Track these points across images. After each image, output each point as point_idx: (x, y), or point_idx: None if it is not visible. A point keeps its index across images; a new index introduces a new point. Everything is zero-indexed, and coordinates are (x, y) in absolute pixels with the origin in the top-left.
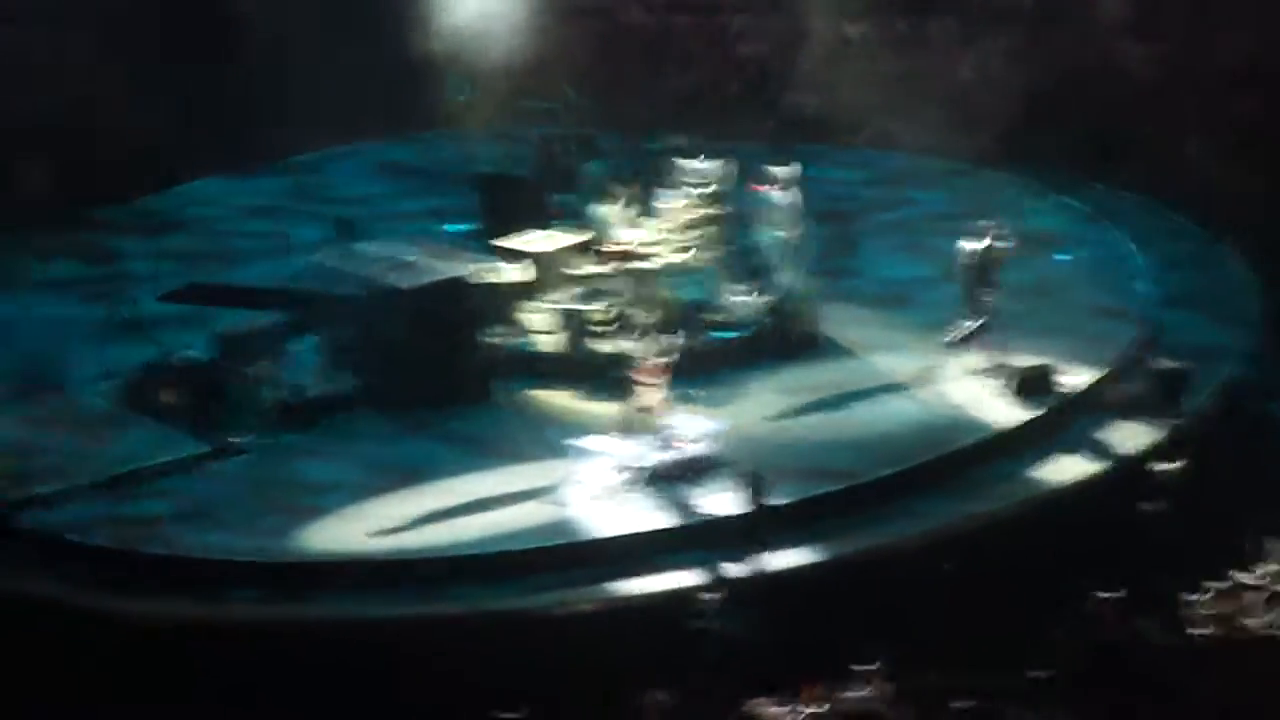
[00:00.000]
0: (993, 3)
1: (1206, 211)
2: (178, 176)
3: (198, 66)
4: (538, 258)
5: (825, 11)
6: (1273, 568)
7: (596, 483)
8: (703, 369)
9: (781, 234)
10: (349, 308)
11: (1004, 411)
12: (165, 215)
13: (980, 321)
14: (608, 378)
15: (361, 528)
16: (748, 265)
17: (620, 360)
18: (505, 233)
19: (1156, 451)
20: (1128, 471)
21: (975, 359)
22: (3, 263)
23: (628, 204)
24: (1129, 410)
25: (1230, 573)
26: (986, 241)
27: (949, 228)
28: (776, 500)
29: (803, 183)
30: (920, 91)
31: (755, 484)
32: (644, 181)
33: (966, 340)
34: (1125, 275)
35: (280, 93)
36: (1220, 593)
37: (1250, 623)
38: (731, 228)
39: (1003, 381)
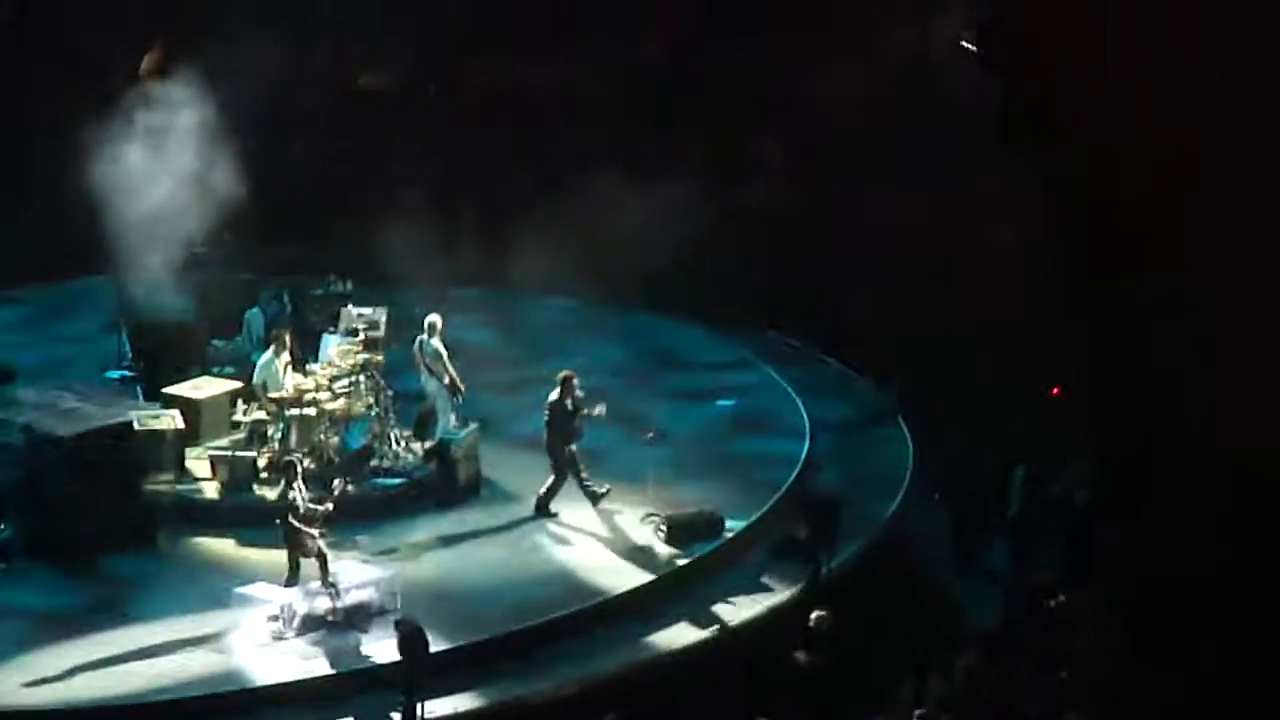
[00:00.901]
0: (660, 150)
1: (876, 363)
2: None
3: None
4: (198, 404)
5: (483, 161)
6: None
7: (259, 630)
8: (365, 515)
9: (442, 380)
10: (8, 455)
11: (660, 558)
12: None
13: (553, 478)
14: (270, 524)
15: (20, 678)
16: (409, 412)
17: (282, 507)
18: (164, 379)
19: (807, 598)
20: (782, 617)
21: (640, 506)
22: None
23: (288, 349)
24: (785, 552)
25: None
26: (557, 392)
27: (603, 373)
28: (436, 646)
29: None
30: (584, 239)
31: (414, 632)
32: (304, 327)
33: (546, 497)
34: (786, 420)
35: None
36: None
37: None
38: (391, 374)
39: (656, 528)
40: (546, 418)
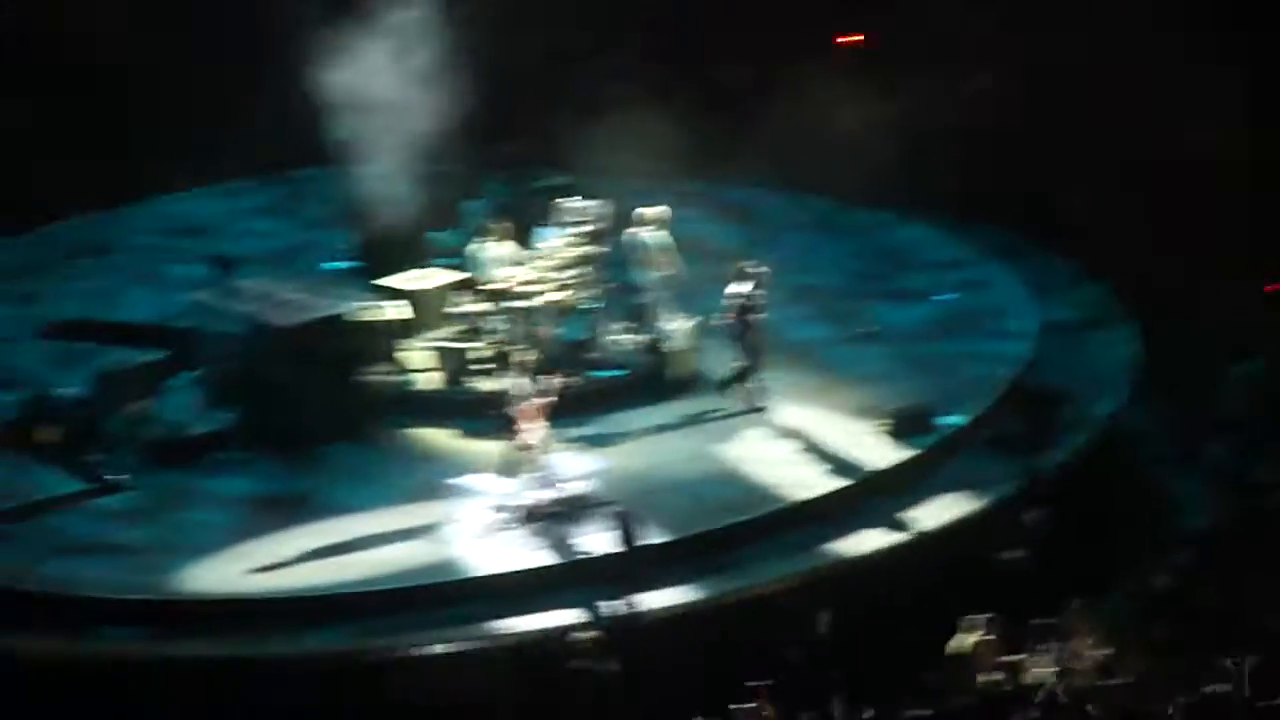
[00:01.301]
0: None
1: (1096, 258)
2: (49, 213)
3: (56, 98)
4: (416, 295)
5: (708, 53)
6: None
7: (475, 521)
8: (582, 407)
9: (659, 274)
10: (229, 345)
11: (878, 452)
12: (39, 253)
13: (742, 365)
14: (486, 416)
15: (240, 565)
16: (626, 304)
17: (499, 398)
18: (384, 270)
19: (1024, 494)
20: (996, 513)
21: (853, 399)
22: None
23: (507, 242)
24: (1002, 449)
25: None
26: (740, 284)
27: (824, 269)
28: (652, 539)
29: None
30: (805, 132)
31: (629, 523)
32: (523, 219)
33: (731, 386)
34: (1007, 318)
35: (151, 127)
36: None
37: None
38: (610, 267)
39: (878, 421)
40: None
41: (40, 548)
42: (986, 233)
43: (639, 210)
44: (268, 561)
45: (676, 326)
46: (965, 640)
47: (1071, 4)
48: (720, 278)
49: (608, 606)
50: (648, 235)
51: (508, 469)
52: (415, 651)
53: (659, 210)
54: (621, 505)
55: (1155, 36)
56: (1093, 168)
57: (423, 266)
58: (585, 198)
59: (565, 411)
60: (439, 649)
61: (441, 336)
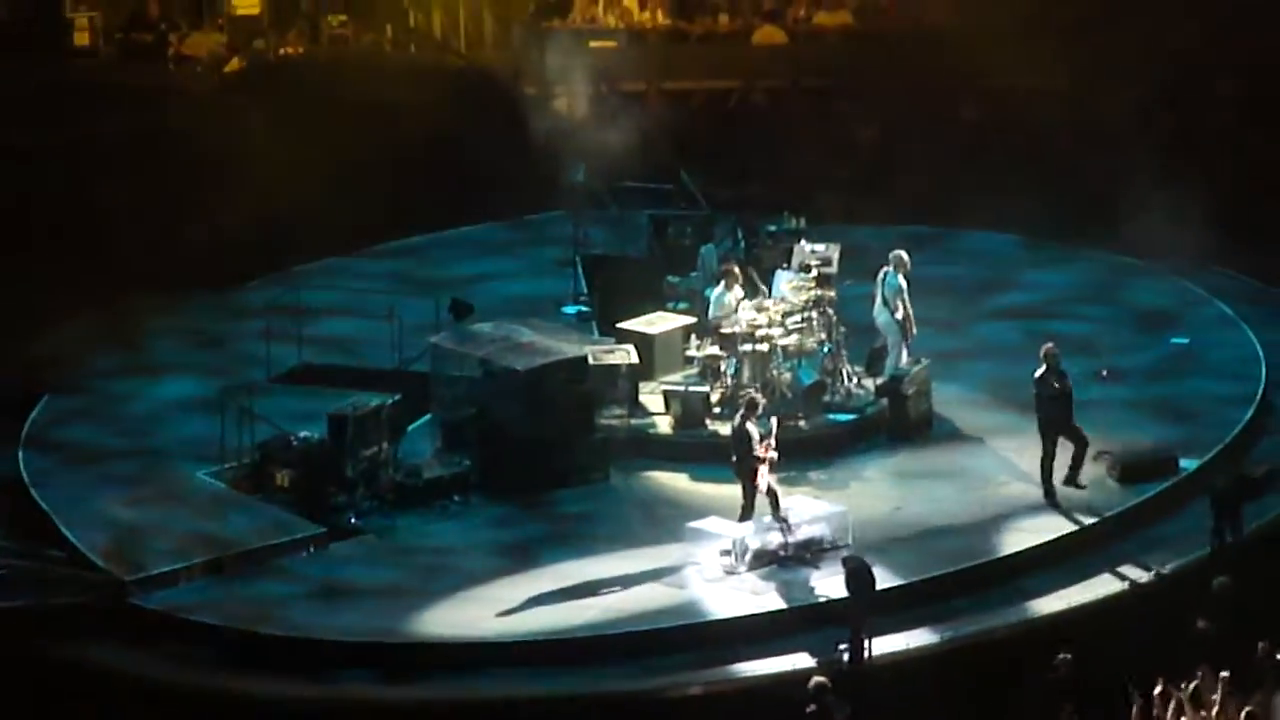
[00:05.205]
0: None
1: None
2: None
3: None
4: (652, 339)
5: (934, 95)
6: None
7: (712, 564)
8: (817, 451)
9: (895, 316)
10: (465, 389)
11: (1110, 497)
12: (278, 297)
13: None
14: (723, 459)
15: (478, 609)
16: (861, 348)
17: (735, 442)
18: (620, 314)
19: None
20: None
21: (1094, 444)
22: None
23: (742, 285)
24: (1238, 497)
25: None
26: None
27: (1058, 311)
28: (885, 584)
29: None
30: (1025, 172)
31: (861, 568)
32: (758, 263)
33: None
34: (1237, 360)
35: (392, 175)
36: None
37: None
38: (845, 310)
39: (1110, 466)
40: (1035, 393)
41: (279, 591)
42: (1219, 274)
43: (893, 252)
44: (505, 606)
45: (913, 369)
46: None
47: None
48: (947, 321)
49: (844, 650)
50: (896, 277)
51: (744, 513)
52: (653, 695)
53: (899, 253)
54: (854, 549)
55: None
56: None
57: (659, 310)
58: (819, 240)
59: (801, 455)
60: (675, 693)
61: (677, 380)
